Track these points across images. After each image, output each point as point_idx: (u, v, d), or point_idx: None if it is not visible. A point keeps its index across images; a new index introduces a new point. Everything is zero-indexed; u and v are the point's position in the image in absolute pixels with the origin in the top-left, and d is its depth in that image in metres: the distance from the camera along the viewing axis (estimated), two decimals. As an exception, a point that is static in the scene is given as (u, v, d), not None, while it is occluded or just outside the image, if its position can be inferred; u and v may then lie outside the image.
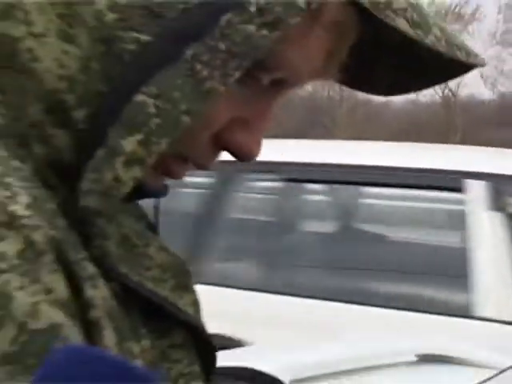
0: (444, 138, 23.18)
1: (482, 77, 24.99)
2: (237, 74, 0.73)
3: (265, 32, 0.72)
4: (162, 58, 0.72)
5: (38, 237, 0.66)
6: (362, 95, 26.86)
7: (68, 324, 0.66)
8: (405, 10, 0.77)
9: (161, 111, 0.72)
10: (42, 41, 0.73)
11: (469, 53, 0.82)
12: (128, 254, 0.80)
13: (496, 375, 1.46)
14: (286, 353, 2.85)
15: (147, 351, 0.78)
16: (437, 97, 25.37)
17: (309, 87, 25.38)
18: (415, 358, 2.91)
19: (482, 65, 0.85)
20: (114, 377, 0.61)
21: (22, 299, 0.64)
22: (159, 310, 0.82)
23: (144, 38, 0.72)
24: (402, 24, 0.77)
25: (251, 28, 0.72)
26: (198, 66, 0.72)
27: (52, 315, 0.65)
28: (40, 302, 0.64)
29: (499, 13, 24.46)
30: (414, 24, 0.78)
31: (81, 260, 0.70)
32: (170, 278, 0.84)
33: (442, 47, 0.80)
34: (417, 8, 0.79)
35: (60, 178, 0.76)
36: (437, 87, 25.01)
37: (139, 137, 0.72)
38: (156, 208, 0.96)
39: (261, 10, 0.72)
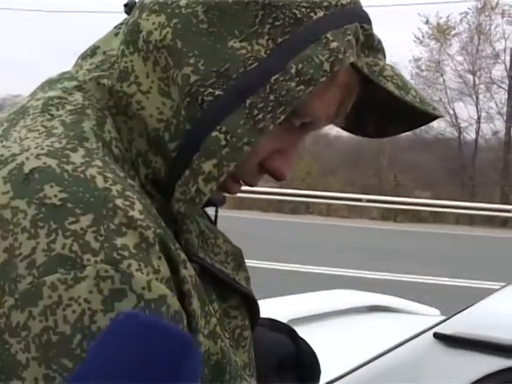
0: (376, 159, 23.18)
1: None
2: (282, 118, 0.73)
3: (301, 87, 0.73)
4: (229, 105, 0.73)
5: (149, 233, 0.67)
6: (323, 131, 26.88)
7: (170, 295, 0.66)
8: (392, 76, 0.79)
9: (229, 143, 0.73)
10: (147, 96, 0.75)
11: (434, 108, 0.82)
12: (203, 244, 0.83)
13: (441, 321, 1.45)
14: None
15: (217, 311, 0.79)
16: (371, 132, 25.37)
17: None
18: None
19: (442, 116, 0.84)
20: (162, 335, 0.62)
21: (140, 277, 0.64)
22: (223, 283, 0.83)
23: (217, 92, 0.73)
24: (390, 86, 0.79)
25: (292, 84, 0.73)
26: (255, 111, 0.73)
27: (160, 288, 0.65)
28: (152, 280, 0.65)
29: (411, 79, 24.45)
30: (398, 87, 0.79)
31: (176, 249, 0.71)
32: (231, 260, 0.86)
33: (417, 103, 0.80)
34: (399, 76, 0.80)
35: (157, 190, 0.77)
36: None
37: (214, 161, 0.73)
38: (216, 211, 0.94)
39: (298, 72, 0.73)
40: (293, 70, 0.73)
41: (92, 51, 0.83)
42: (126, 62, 0.76)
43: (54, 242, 0.63)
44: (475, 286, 8.87)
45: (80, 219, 0.64)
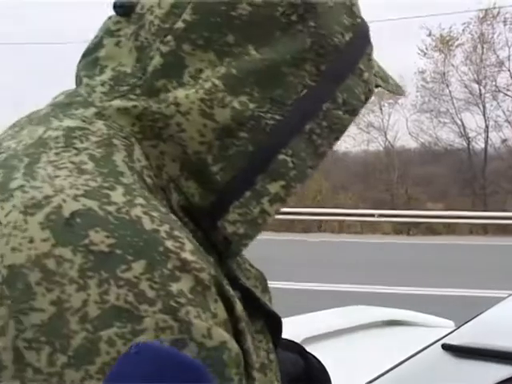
0: (386, 173, 23.15)
1: (409, 133, 25.00)
2: (335, 142, 0.77)
3: (347, 116, 0.77)
4: (292, 130, 0.73)
5: (204, 276, 0.63)
6: (330, 148, 26.85)
7: (229, 338, 0.64)
8: (378, 72, 0.84)
9: (296, 166, 0.73)
10: (187, 117, 0.71)
11: (403, 91, 0.91)
12: (238, 270, 0.80)
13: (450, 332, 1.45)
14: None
15: (260, 347, 0.78)
16: (381, 148, 25.36)
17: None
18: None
19: (402, 94, 0.96)
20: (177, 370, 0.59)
21: (199, 325, 0.61)
22: (255, 308, 0.79)
23: (277, 117, 0.73)
24: (379, 81, 0.83)
25: (340, 113, 0.76)
26: (314, 137, 0.75)
27: (220, 334, 0.62)
28: (212, 326, 0.62)
29: (417, 91, 24.50)
30: (383, 80, 0.85)
31: (226, 285, 0.67)
32: (259, 284, 0.84)
33: (391, 88, 0.86)
34: (380, 67, 0.86)
35: (189, 218, 0.73)
36: (380, 141, 25.00)
37: (282, 183, 0.73)
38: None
39: (344, 102, 0.76)
40: (340, 100, 0.76)
41: (100, 70, 0.76)
42: (167, 96, 0.71)
43: (107, 292, 0.58)
44: (491, 295, 8.82)
45: (132, 266, 0.60)
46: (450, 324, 2.87)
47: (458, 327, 1.54)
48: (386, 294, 9.18)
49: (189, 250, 0.63)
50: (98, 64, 0.76)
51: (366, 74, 0.78)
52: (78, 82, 0.78)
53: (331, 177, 23.08)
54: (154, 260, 0.60)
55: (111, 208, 0.62)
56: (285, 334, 1.18)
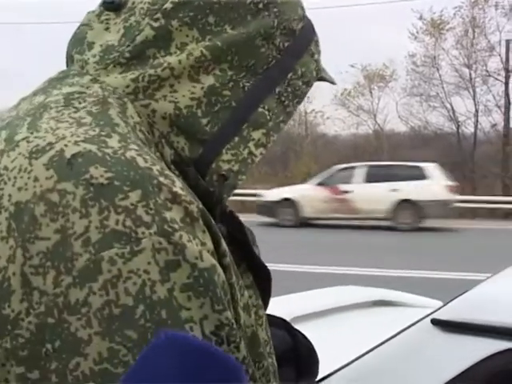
0: (376, 157, 23.20)
1: (399, 117, 25.04)
2: (298, 105, 0.92)
3: (305, 86, 0.92)
4: (264, 90, 0.87)
5: (193, 207, 0.70)
6: (320, 130, 26.93)
7: (218, 265, 0.69)
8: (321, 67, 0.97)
9: (271, 118, 0.87)
10: (179, 80, 0.82)
11: (333, 80, 1.02)
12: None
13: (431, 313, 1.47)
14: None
15: (243, 287, 0.81)
16: (370, 131, 25.40)
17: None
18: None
19: (334, 83, 1.04)
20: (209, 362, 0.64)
21: (192, 248, 0.67)
22: (237, 259, 0.84)
23: (251, 81, 0.86)
24: (325, 73, 0.97)
25: (300, 83, 0.91)
26: (282, 98, 0.89)
27: (211, 259, 0.68)
28: (202, 250, 0.68)
29: (407, 75, 24.53)
30: (323, 71, 0.98)
31: (215, 224, 0.74)
32: (250, 234, 0.92)
33: (329, 78, 0.99)
34: (320, 63, 0.98)
35: (178, 170, 0.80)
36: (369, 124, 25.03)
37: (263, 130, 0.86)
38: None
39: (302, 74, 0.91)
40: (299, 72, 0.91)
41: (88, 45, 0.85)
42: (159, 62, 0.82)
43: (107, 218, 0.65)
44: (478, 278, 8.89)
45: (129, 195, 0.67)
46: (439, 304, 2.90)
47: (447, 303, 1.56)
48: (375, 276, 9.23)
49: (179, 186, 0.70)
50: (86, 42, 0.85)
51: (315, 55, 0.94)
52: (70, 61, 0.87)
53: (321, 160, 23.12)
54: (148, 190, 0.68)
55: (108, 150, 0.70)
56: (274, 313, 1.19)
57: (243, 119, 0.84)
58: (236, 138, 0.84)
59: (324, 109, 25.65)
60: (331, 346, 1.65)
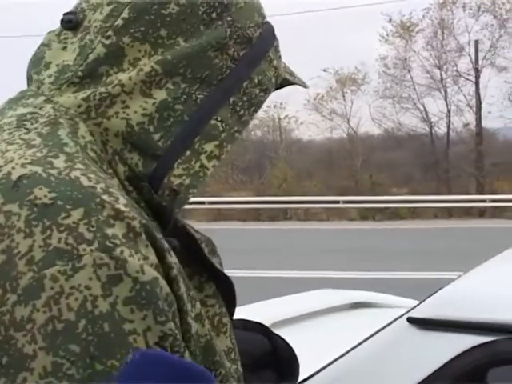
0: (350, 160, 23.29)
1: (372, 120, 25.18)
2: (255, 113, 0.92)
3: (262, 94, 0.92)
4: (218, 102, 0.88)
5: (136, 223, 0.72)
6: (295, 136, 27.00)
7: (161, 278, 0.71)
8: (285, 67, 1.00)
9: (225, 129, 0.87)
10: (131, 96, 0.83)
11: (305, 84, 1.05)
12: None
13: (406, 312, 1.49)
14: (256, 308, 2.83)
15: (196, 298, 0.83)
16: (344, 135, 25.52)
17: (259, 132, 25.41)
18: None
19: (306, 87, 1.07)
20: (179, 376, 0.66)
21: (133, 262, 0.69)
22: (200, 270, 0.89)
23: (205, 93, 0.86)
24: (288, 76, 0.99)
25: (257, 90, 0.91)
26: (237, 108, 0.89)
27: (152, 272, 0.70)
28: (144, 265, 0.70)
29: (379, 77, 24.67)
30: (290, 74, 1.01)
31: (160, 238, 0.75)
32: (205, 246, 0.92)
33: (298, 81, 1.02)
34: (288, 67, 1.01)
35: (133, 187, 0.83)
36: (343, 127, 25.15)
37: (216, 142, 0.86)
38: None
39: (259, 82, 0.91)
40: (256, 80, 0.91)
41: (45, 65, 0.87)
42: (112, 79, 0.83)
43: (50, 237, 0.68)
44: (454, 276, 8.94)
45: (71, 214, 0.69)
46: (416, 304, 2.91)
47: (422, 301, 1.58)
48: (354, 278, 9.26)
49: (122, 203, 0.72)
50: (43, 62, 0.87)
51: (274, 62, 0.94)
52: (29, 81, 0.89)
53: (296, 165, 23.17)
54: (91, 208, 0.70)
55: (53, 171, 0.73)
56: (253, 319, 1.20)
57: (195, 132, 0.85)
58: (187, 152, 0.85)
59: (297, 114, 25.67)
60: (311, 349, 1.66)
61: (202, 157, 0.85)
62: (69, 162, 0.75)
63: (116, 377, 0.65)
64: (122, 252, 0.69)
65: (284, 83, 1.01)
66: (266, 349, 1.16)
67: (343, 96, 25.42)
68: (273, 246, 13.13)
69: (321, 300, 3.02)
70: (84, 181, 0.72)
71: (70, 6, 0.92)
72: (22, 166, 0.73)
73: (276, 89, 1.03)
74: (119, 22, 0.85)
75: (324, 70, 24.99)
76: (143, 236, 0.72)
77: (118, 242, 0.69)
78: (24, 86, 0.89)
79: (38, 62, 0.88)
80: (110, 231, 0.69)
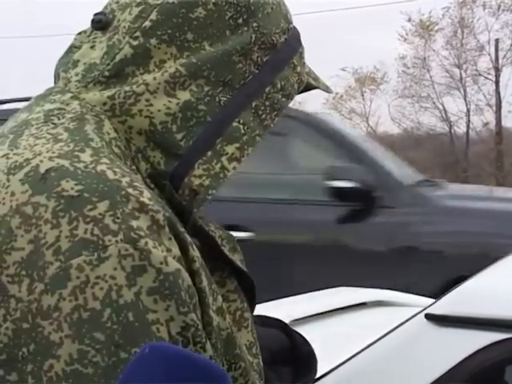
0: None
1: (391, 119, 25.11)
2: (276, 118, 0.93)
3: (284, 99, 0.94)
4: (240, 105, 0.89)
5: (159, 216, 0.74)
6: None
7: (183, 270, 0.73)
8: (309, 72, 1.02)
9: (246, 132, 0.89)
10: (155, 95, 0.84)
11: (330, 90, 1.08)
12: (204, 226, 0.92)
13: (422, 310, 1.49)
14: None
15: (217, 292, 0.84)
16: (363, 133, 25.44)
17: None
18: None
19: (331, 92, 1.11)
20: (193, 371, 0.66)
21: (157, 253, 0.71)
22: (221, 265, 0.90)
23: (228, 96, 0.88)
24: (311, 80, 1.01)
25: (279, 96, 0.93)
26: (259, 112, 0.90)
27: (175, 264, 0.72)
28: (167, 256, 0.72)
29: (399, 77, 24.59)
30: (314, 79, 1.03)
31: (183, 232, 0.77)
32: (226, 243, 0.93)
33: (322, 86, 1.04)
34: (312, 71, 1.03)
35: (155, 184, 0.84)
36: (362, 127, 25.10)
37: (237, 145, 0.87)
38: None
39: (282, 87, 0.93)
40: (278, 85, 0.93)
41: (73, 64, 0.89)
42: (137, 79, 0.85)
43: (76, 228, 0.70)
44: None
45: (97, 205, 0.71)
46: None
47: (440, 297, 1.58)
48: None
49: (146, 196, 0.74)
50: (72, 60, 0.89)
51: (298, 68, 0.96)
52: (57, 78, 0.91)
53: (314, 164, 23.09)
54: (116, 201, 0.72)
55: (80, 165, 0.75)
56: (272, 316, 1.21)
57: (217, 134, 0.87)
58: (209, 153, 0.86)
59: (316, 113, 25.66)
60: (329, 346, 1.66)
61: (223, 158, 0.87)
62: (95, 156, 0.76)
63: (124, 369, 0.66)
64: (146, 243, 0.70)
65: (309, 86, 1.02)
66: (284, 345, 1.17)
67: (362, 95, 25.40)
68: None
69: (339, 298, 3.01)
70: (110, 174, 0.74)
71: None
72: (50, 159, 0.75)
73: (300, 92, 1.04)
74: (147, 23, 0.86)
75: (343, 70, 24.96)
76: (166, 229, 0.74)
77: (142, 233, 0.71)
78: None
79: (66, 60, 0.90)
80: (134, 223, 0.71)
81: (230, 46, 0.88)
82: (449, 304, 1.49)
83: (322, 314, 2.69)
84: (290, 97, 0.94)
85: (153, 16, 0.86)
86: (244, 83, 0.89)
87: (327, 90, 1.06)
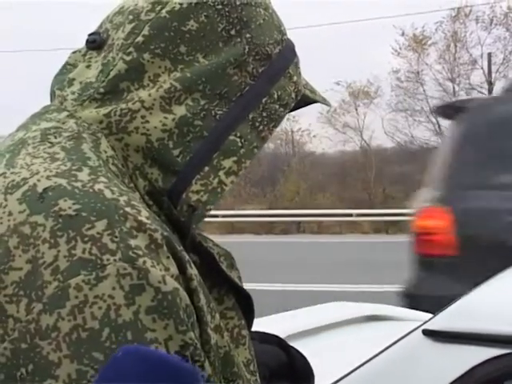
0: (363, 173, 23.26)
1: (385, 133, 25.16)
2: (274, 129, 0.92)
3: (282, 109, 0.93)
4: (237, 118, 0.88)
5: (157, 235, 0.73)
6: (308, 149, 26.98)
7: (181, 289, 0.73)
8: (306, 85, 1.00)
9: (243, 145, 0.88)
10: (150, 112, 0.84)
11: (328, 102, 1.06)
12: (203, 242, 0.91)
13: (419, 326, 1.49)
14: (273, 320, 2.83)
15: (215, 310, 0.84)
16: (357, 148, 25.50)
17: (272, 145, 25.42)
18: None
19: (329, 105, 1.10)
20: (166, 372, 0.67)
21: (155, 272, 0.71)
22: (220, 282, 0.90)
23: (224, 109, 0.87)
24: (308, 93, 1.00)
25: (276, 106, 0.92)
26: (256, 124, 0.90)
27: (173, 283, 0.72)
28: (165, 275, 0.71)
29: (392, 91, 24.68)
30: (311, 92, 1.01)
31: (181, 250, 0.77)
32: (224, 260, 0.93)
33: (319, 98, 1.03)
34: (309, 84, 1.02)
35: (153, 201, 0.84)
36: (356, 141, 25.13)
37: (234, 158, 0.87)
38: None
39: (279, 97, 0.92)
40: (275, 96, 0.92)
41: (68, 82, 0.89)
42: (132, 96, 0.85)
43: (74, 247, 0.69)
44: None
45: (95, 225, 0.71)
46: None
47: (437, 313, 1.58)
48: (368, 292, 9.23)
49: (144, 215, 0.74)
50: (67, 78, 0.89)
51: (294, 77, 0.95)
52: (52, 96, 0.91)
53: (309, 178, 23.16)
54: (114, 220, 0.72)
55: (78, 184, 0.74)
56: (269, 331, 1.20)
57: (214, 148, 0.87)
58: (206, 168, 0.86)
59: (310, 127, 25.72)
60: (326, 362, 1.66)
61: (221, 173, 0.86)
62: (92, 175, 0.76)
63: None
64: (144, 262, 0.70)
65: (307, 100, 1.02)
66: (281, 361, 1.17)
67: (356, 109, 25.47)
68: (286, 259, 13.11)
69: (335, 313, 3.01)
70: (107, 193, 0.74)
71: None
72: (47, 178, 0.75)
73: (298, 107, 1.04)
74: (140, 38, 0.86)
75: (337, 83, 25.05)
76: (164, 248, 0.73)
77: (140, 252, 0.71)
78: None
79: (61, 79, 0.90)
80: (132, 242, 0.71)
81: (224, 57, 0.88)
82: (446, 319, 1.49)
83: (318, 328, 2.69)
84: (287, 106, 0.94)
85: (145, 31, 0.86)
86: (240, 95, 0.89)
87: (325, 102, 1.05)
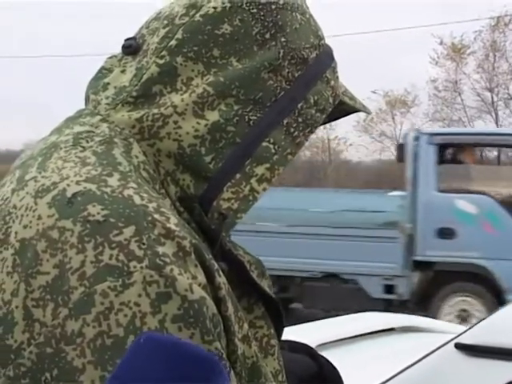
0: (400, 181, 23.10)
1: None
2: (310, 134, 0.90)
3: (319, 114, 0.90)
4: (271, 124, 0.87)
5: (186, 243, 0.72)
6: (344, 157, 26.92)
7: (209, 298, 0.71)
8: (345, 92, 0.98)
9: (277, 151, 0.86)
10: (183, 117, 0.83)
11: (368, 110, 1.04)
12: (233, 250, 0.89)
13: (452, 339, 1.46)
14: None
15: (243, 320, 0.82)
16: (393, 157, 25.35)
17: (308, 153, 25.41)
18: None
19: (370, 113, 1.08)
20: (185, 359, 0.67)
21: (182, 281, 0.69)
22: (249, 291, 0.88)
23: (258, 115, 0.86)
24: (347, 100, 0.98)
25: (312, 111, 0.90)
26: (291, 129, 0.88)
27: (200, 291, 0.70)
28: (192, 283, 0.70)
29: (429, 100, 24.53)
30: (350, 99, 0.99)
31: (210, 259, 0.76)
32: (254, 269, 0.91)
33: (359, 106, 1.00)
34: (348, 91, 0.99)
35: (184, 208, 0.83)
36: (392, 150, 25.01)
37: (267, 165, 0.85)
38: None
39: (316, 102, 0.90)
40: (312, 100, 0.90)
41: (103, 87, 0.89)
42: (165, 100, 0.84)
43: (102, 253, 0.69)
44: None
45: (123, 231, 0.70)
46: (461, 329, 2.87)
47: (471, 327, 1.55)
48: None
49: (173, 222, 0.73)
50: (102, 83, 0.89)
51: (332, 82, 0.93)
52: (87, 101, 0.91)
53: (345, 186, 23.06)
54: (142, 226, 0.71)
55: (107, 189, 0.74)
56: (299, 340, 1.19)
57: (246, 155, 0.85)
58: (237, 175, 0.84)
59: (347, 135, 25.66)
60: (356, 372, 1.64)
61: (253, 180, 0.85)
62: (122, 180, 0.76)
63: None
64: (171, 270, 0.69)
65: (346, 108, 1.00)
66: (311, 370, 1.15)
67: (393, 118, 25.36)
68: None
69: (365, 323, 2.99)
70: (136, 199, 0.73)
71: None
72: (77, 183, 0.74)
73: (338, 118, 1.02)
74: (173, 42, 0.86)
75: (374, 92, 24.96)
76: (193, 256, 0.73)
77: (168, 260, 0.70)
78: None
79: (96, 84, 0.90)
80: (160, 249, 0.70)
81: (258, 61, 0.86)
82: (479, 333, 1.46)
83: (348, 338, 2.67)
84: (324, 111, 0.91)
85: (178, 35, 0.86)
86: (275, 100, 0.87)
87: (365, 109, 1.02)
